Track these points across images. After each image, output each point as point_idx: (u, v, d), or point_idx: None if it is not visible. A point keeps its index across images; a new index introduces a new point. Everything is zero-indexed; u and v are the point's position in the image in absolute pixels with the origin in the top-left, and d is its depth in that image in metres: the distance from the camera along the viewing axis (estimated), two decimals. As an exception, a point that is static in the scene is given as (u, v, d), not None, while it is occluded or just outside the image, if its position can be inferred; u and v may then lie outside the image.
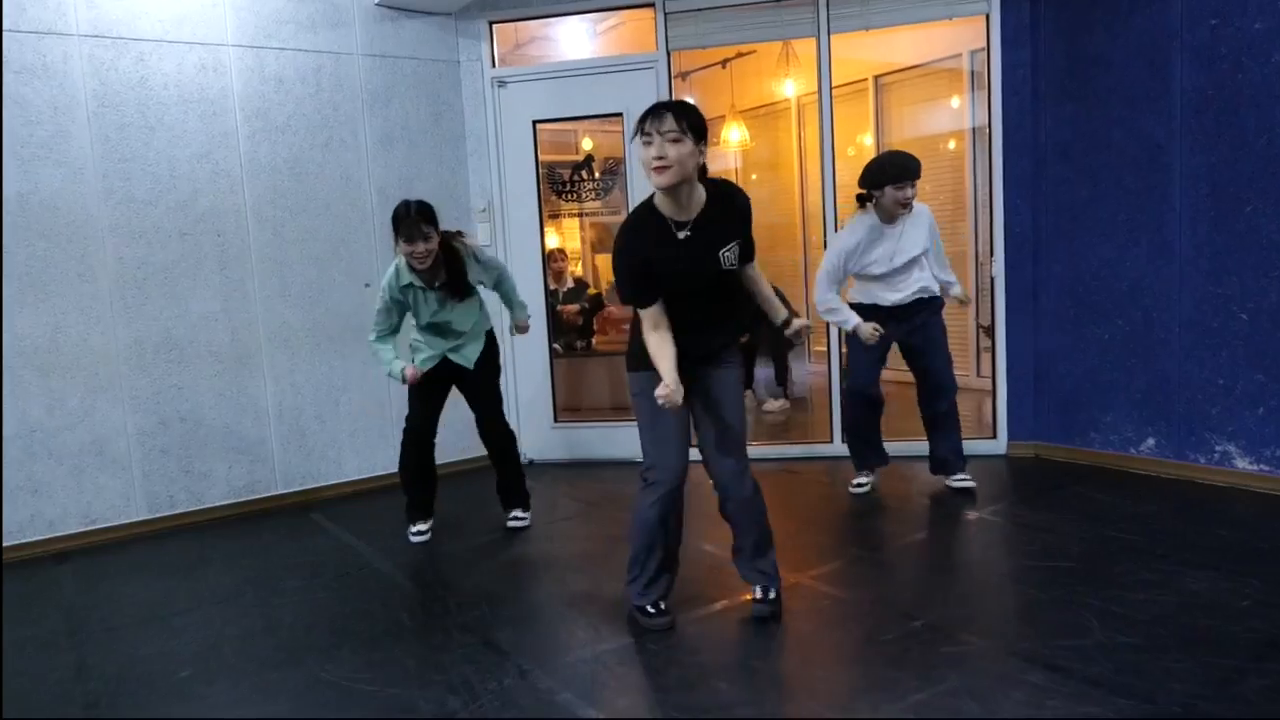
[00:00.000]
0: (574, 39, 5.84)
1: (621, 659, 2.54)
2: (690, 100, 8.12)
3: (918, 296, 3.79)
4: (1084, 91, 4.12)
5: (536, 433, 5.04)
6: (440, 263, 3.51)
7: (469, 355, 3.67)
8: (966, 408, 5.84)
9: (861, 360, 3.88)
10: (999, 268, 4.42)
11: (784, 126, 7.76)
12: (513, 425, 4.99)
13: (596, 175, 5.13)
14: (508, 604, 2.99)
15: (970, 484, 3.94)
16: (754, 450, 4.86)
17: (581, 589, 3.11)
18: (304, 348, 4.50)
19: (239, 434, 4.35)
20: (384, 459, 4.66)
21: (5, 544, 3.81)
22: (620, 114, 4.72)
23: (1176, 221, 3.86)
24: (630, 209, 4.70)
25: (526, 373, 4.99)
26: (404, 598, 3.12)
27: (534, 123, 4.81)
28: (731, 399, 2.67)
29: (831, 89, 4.59)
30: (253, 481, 4.40)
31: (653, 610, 2.71)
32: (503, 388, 4.92)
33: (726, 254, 2.53)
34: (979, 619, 2.64)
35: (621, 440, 4.69)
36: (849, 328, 3.72)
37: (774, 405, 6.16)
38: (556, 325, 5.99)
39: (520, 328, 3.96)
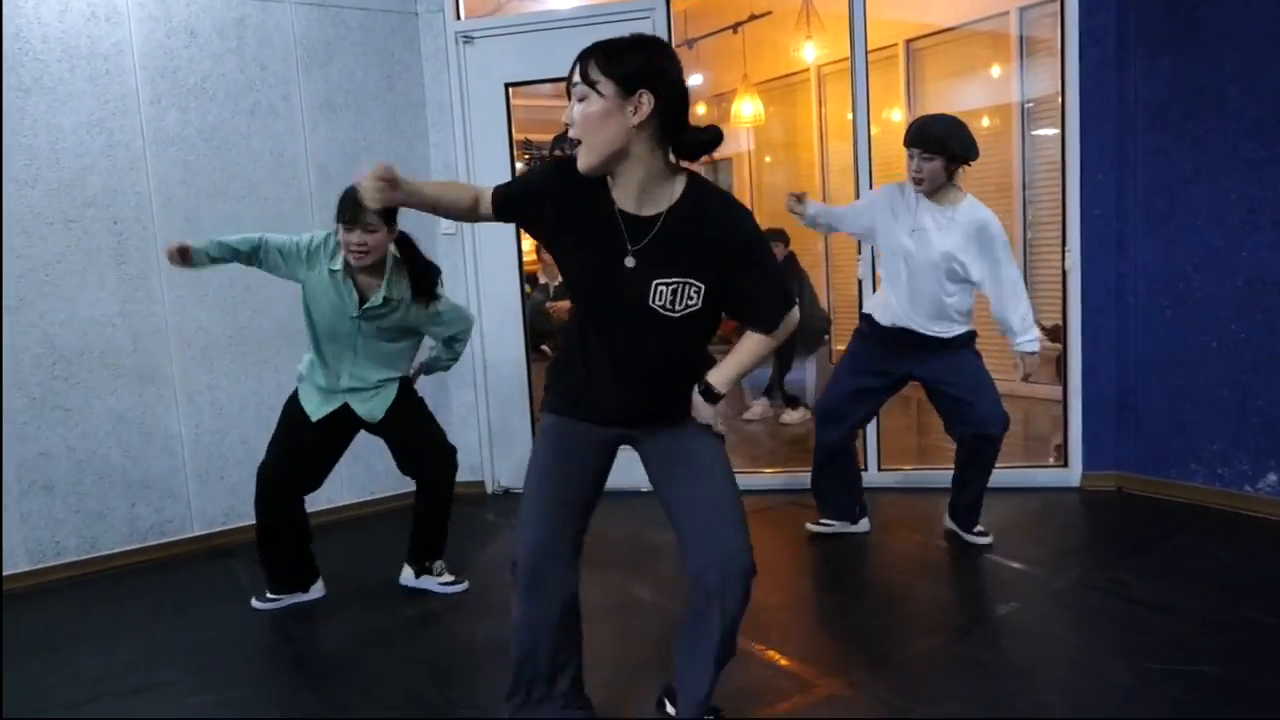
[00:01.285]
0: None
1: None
2: (698, 77, 7.28)
3: (936, 334, 2.97)
4: (1186, 39, 3.28)
5: (512, 455, 4.24)
6: (381, 274, 2.75)
7: (376, 408, 2.86)
8: (1014, 419, 5.03)
9: (834, 393, 3.17)
10: (1074, 259, 3.59)
11: (803, 100, 6.94)
12: (484, 447, 4.24)
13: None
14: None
15: (986, 540, 3.16)
16: (760, 480, 4.07)
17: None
18: (226, 359, 3.71)
19: (144, 465, 3.57)
20: (329, 491, 3.82)
21: None
22: (609, 74, 3.89)
23: (1313, 200, 3.03)
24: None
25: (499, 383, 4.19)
26: (312, 710, 2.34)
27: (506, 86, 4.00)
28: (705, 468, 1.83)
29: (866, 48, 3.77)
30: (161, 523, 3.62)
31: None
32: (472, 400, 4.20)
33: (662, 287, 1.67)
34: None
35: (620, 465, 3.90)
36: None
37: (793, 417, 5.36)
38: (546, 324, 5.23)
39: (422, 370, 3.09)
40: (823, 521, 3.35)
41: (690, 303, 1.69)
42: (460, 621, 2.83)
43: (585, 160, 1.64)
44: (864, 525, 3.34)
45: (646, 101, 1.59)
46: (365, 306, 2.72)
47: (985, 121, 5.78)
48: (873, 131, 6.16)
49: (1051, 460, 3.83)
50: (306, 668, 2.58)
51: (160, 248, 3.51)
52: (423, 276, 2.81)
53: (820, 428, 3.20)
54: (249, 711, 2.31)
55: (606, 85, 1.60)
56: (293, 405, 2.90)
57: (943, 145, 2.83)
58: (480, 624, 2.81)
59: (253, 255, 2.75)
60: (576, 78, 1.63)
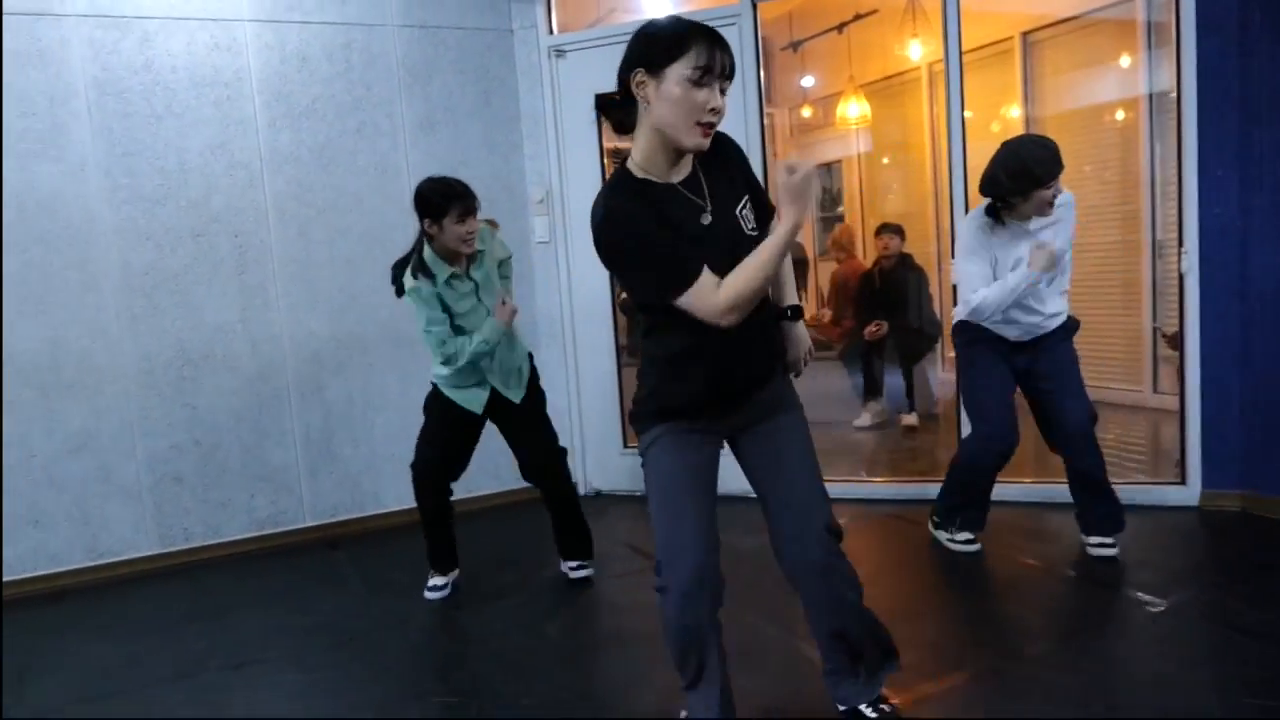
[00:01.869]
0: (663, 8, 5.10)
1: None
2: (810, 77, 7.22)
3: (1054, 326, 2.95)
4: (1318, 19, 3.02)
5: (602, 458, 4.32)
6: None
7: (517, 392, 3.06)
8: (1140, 433, 4.72)
9: (989, 394, 3.00)
10: (1190, 261, 3.35)
11: (913, 99, 6.73)
12: (577, 450, 4.32)
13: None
14: (505, 711, 2.28)
15: (1110, 552, 2.99)
16: (862, 489, 3.98)
17: (613, 683, 2.36)
18: (334, 361, 3.95)
19: (261, 459, 3.85)
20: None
21: (5, 579, 3.44)
22: (697, 82, 3.92)
23: None
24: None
25: (590, 389, 4.28)
26: (384, 690, 2.47)
27: (597, 96, 4.05)
28: (794, 450, 1.89)
29: (960, 49, 3.62)
30: (277, 513, 3.89)
31: None
32: (565, 405, 4.29)
33: (744, 212, 1.78)
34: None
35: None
36: (1027, 279, 2.76)
37: (908, 420, 5.20)
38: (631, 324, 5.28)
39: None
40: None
41: (753, 217, 1.80)
42: (543, 613, 2.91)
43: (707, 142, 1.68)
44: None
45: None
46: (472, 278, 2.93)
47: (1119, 115, 5.46)
48: (994, 129, 5.96)
49: (1172, 477, 3.57)
50: (396, 650, 2.72)
51: (276, 258, 3.79)
52: None
53: (987, 426, 3.01)
54: (320, 699, 2.46)
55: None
56: (434, 403, 3.09)
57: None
58: (560, 615, 2.88)
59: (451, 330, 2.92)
60: (733, 70, 1.68)
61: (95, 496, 3.60)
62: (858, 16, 6.25)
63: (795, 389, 1.98)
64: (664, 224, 1.69)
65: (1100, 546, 2.99)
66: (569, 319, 4.27)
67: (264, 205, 3.79)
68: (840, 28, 6.42)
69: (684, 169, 1.76)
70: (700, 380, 1.80)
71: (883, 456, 4.76)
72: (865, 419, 5.35)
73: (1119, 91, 5.37)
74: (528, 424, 3.10)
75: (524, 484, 3.30)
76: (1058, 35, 5.61)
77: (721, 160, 1.80)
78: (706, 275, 1.65)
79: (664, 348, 1.83)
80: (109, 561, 3.62)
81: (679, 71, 1.62)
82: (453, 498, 3.17)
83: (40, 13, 3.40)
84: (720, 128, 1.73)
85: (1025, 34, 5.71)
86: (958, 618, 2.73)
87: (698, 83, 1.62)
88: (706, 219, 1.74)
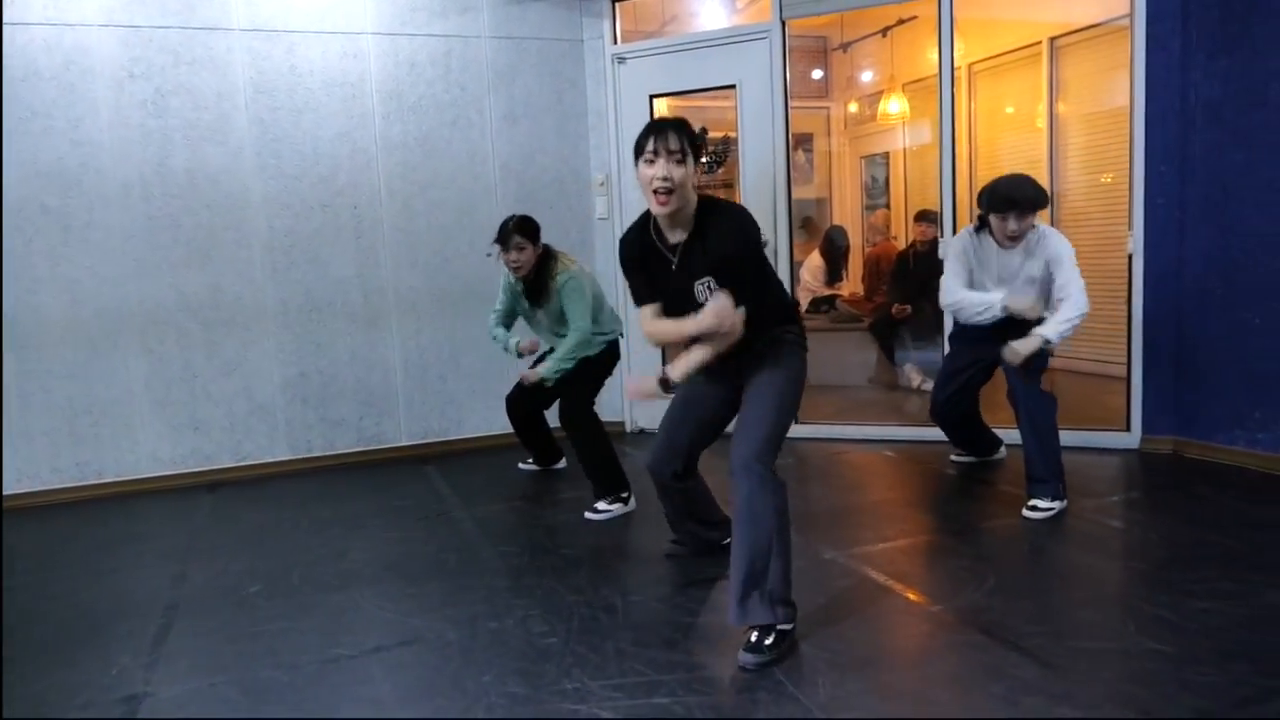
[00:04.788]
0: (714, 20, 5.87)
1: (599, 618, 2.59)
2: (868, 73, 7.79)
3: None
4: (1239, 42, 3.60)
5: (645, 402, 5.12)
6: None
7: (551, 367, 3.74)
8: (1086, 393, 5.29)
9: (945, 373, 3.73)
10: (1136, 243, 3.97)
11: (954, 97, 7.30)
12: (625, 397, 5.13)
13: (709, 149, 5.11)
14: (549, 555, 3.12)
15: (1043, 514, 3.26)
16: (885, 431, 4.70)
17: (611, 543, 3.18)
18: (429, 311, 4.85)
19: (369, 388, 4.78)
20: (502, 419, 4.92)
21: (170, 471, 4.45)
22: (733, 86, 4.68)
23: (1347, 188, 3.30)
24: (740, 181, 4.66)
25: (636, 337, 5.08)
26: (460, 543, 3.34)
27: (650, 97, 4.88)
28: (757, 397, 2.43)
29: (952, 64, 4.31)
30: (380, 432, 4.82)
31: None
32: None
33: (700, 287, 2.37)
34: (998, 610, 2.44)
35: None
36: (994, 310, 3.28)
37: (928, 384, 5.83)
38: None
39: (526, 350, 3.97)
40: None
41: (712, 288, 2.34)
42: (581, 505, 3.75)
43: (674, 204, 2.26)
44: (1001, 453, 4.00)
45: (699, 169, 2.32)
46: (529, 298, 3.79)
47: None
48: (1038, 125, 6.50)
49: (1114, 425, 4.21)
50: (467, 523, 3.59)
51: (386, 226, 4.70)
52: (541, 281, 3.75)
53: (934, 397, 3.79)
54: (416, 545, 3.34)
55: (690, 155, 2.26)
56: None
57: (1037, 204, 3.16)
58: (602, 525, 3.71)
59: (511, 309, 3.94)
60: (675, 145, 2.23)
61: (241, 411, 4.58)
62: (900, 21, 6.87)
63: (787, 357, 2.48)
64: (644, 265, 2.44)
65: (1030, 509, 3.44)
66: (622, 282, 5.06)
67: (377, 183, 4.70)
68: (884, 31, 7.05)
69: (682, 230, 2.35)
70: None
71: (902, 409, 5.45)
72: (916, 380, 5.93)
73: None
74: (563, 394, 3.82)
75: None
76: (1081, 41, 6.16)
77: (705, 238, 2.33)
78: (649, 308, 2.46)
79: None
80: (251, 463, 4.60)
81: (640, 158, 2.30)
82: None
83: (213, 27, 4.36)
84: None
85: (1053, 39, 6.28)
86: (914, 510, 3.45)
87: (646, 162, 2.27)
88: (672, 257, 2.38)
